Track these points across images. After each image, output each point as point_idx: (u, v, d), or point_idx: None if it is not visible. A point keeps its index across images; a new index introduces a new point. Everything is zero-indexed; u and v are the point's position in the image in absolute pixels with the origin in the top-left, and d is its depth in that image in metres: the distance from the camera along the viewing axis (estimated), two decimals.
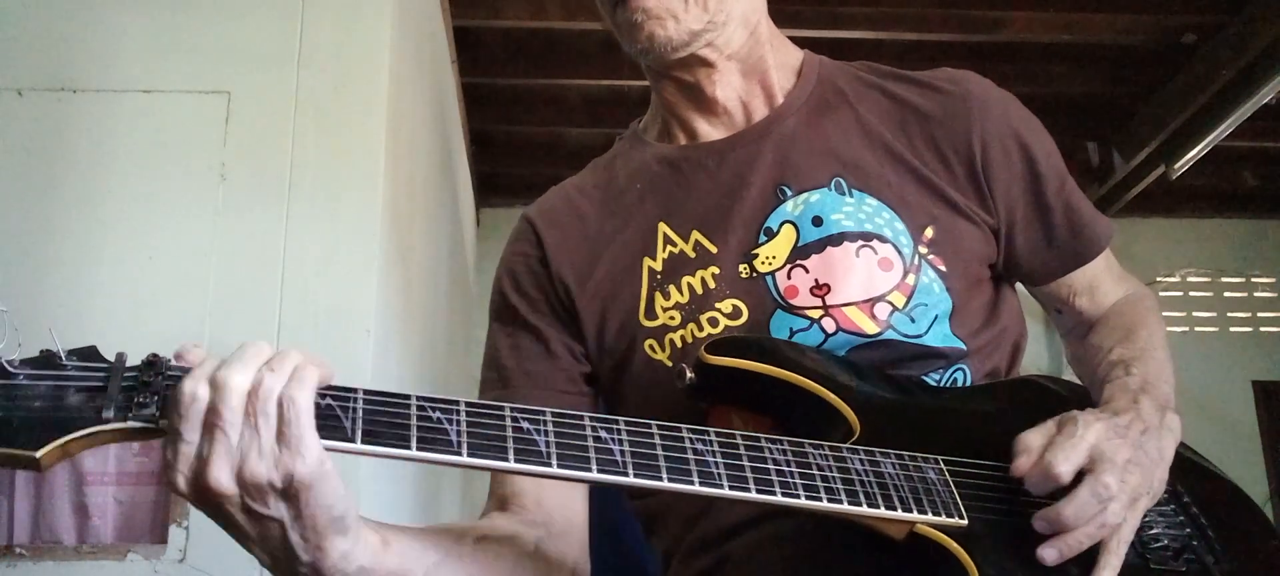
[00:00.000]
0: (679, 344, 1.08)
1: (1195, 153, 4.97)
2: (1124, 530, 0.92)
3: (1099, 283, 1.23)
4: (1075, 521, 0.89)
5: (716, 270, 1.10)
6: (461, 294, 4.94)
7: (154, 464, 2.28)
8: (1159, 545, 0.99)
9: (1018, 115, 1.16)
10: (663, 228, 1.14)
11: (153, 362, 0.75)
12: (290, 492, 0.74)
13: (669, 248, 1.13)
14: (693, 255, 1.11)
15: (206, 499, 0.74)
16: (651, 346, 1.10)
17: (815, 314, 1.06)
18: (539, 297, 1.17)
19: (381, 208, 2.53)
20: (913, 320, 1.07)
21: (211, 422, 0.73)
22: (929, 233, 1.09)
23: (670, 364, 1.08)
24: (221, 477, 0.73)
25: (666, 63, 1.12)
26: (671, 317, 1.09)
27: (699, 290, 1.09)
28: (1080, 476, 0.91)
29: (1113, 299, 1.24)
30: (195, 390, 0.73)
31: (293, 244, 2.44)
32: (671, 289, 1.10)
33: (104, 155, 2.43)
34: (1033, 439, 0.94)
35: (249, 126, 2.50)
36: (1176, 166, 5.12)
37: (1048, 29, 4.52)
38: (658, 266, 1.12)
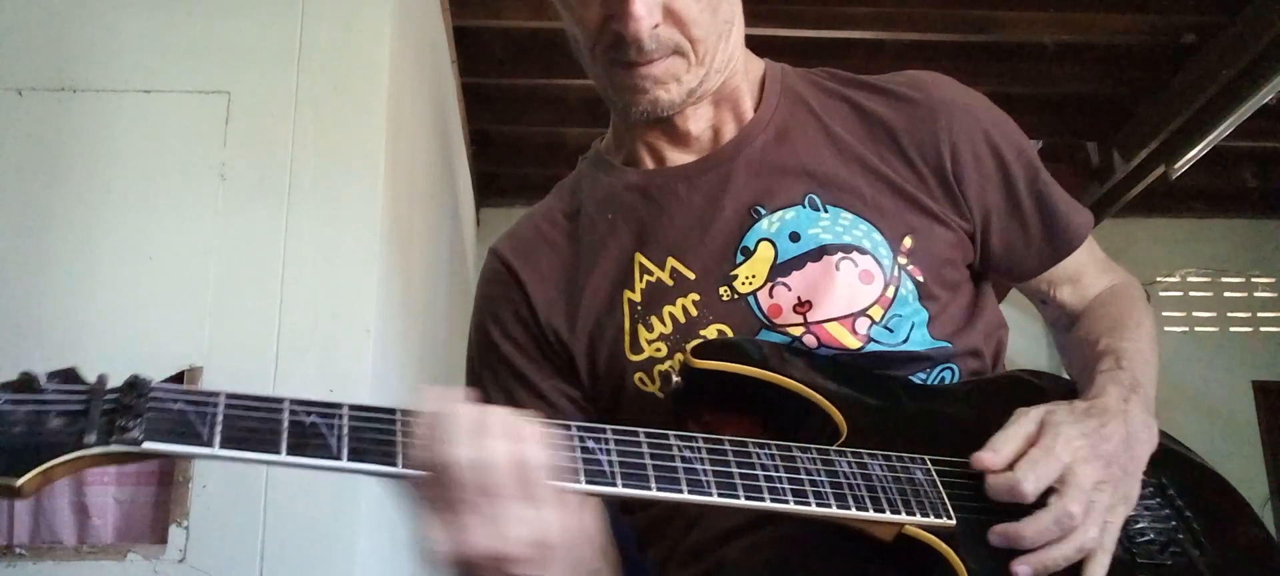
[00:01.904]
0: (669, 392, 1.06)
1: (1195, 153, 4.97)
2: (1105, 540, 0.92)
3: (1083, 274, 1.22)
4: (1033, 543, 0.90)
5: (696, 296, 1.08)
6: (461, 294, 4.94)
7: (154, 464, 2.28)
8: (1145, 539, 0.99)
9: (985, 115, 1.15)
10: (638, 257, 1.12)
11: (134, 384, 0.74)
12: (545, 558, 0.78)
13: (646, 277, 1.11)
14: (671, 283, 1.09)
15: (464, 566, 0.77)
16: (641, 379, 1.08)
17: (796, 330, 1.05)
18: (531, 345, 1.15)
19: (381, 208, 2.54)
20: (890, 331, 1.06)
21: (462, 498, 0.75)
22: (907, 243, 1.08)
23: (661, 396, 1.07)
24: (479, 540, 0.75)
25: (660, 118, 1.11)
26: (657, 349, 1.08)
27: (681, 319, 1.08)
28: (1049, 490, 0.91)
29: (1097, 289, 1.23)
30: (456, 463, 0.74)
31: (293, 244, 2.44)
32: (654, 320, 1.09)
33: (104, 155, 2.44)
34: (1006, 444, 0.94)
35: (249, 126, 2.50)
36: (1176, 166, 5.11)
37: (1047, 29, 4.52)
38: (637, 298, 1.10)
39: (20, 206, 2.39)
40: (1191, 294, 6.55)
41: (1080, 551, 0.91)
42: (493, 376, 1.17)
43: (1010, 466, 0.93)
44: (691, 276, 1.09)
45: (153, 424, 0.73)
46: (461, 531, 0.75)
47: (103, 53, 2.51)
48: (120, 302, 2.34)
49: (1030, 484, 0.90)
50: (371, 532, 2.47)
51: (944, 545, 0.90)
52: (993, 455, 0.93)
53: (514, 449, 0.76)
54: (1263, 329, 6.54)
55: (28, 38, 2.51)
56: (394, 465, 0.78)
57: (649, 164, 1.17)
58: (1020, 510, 0.92)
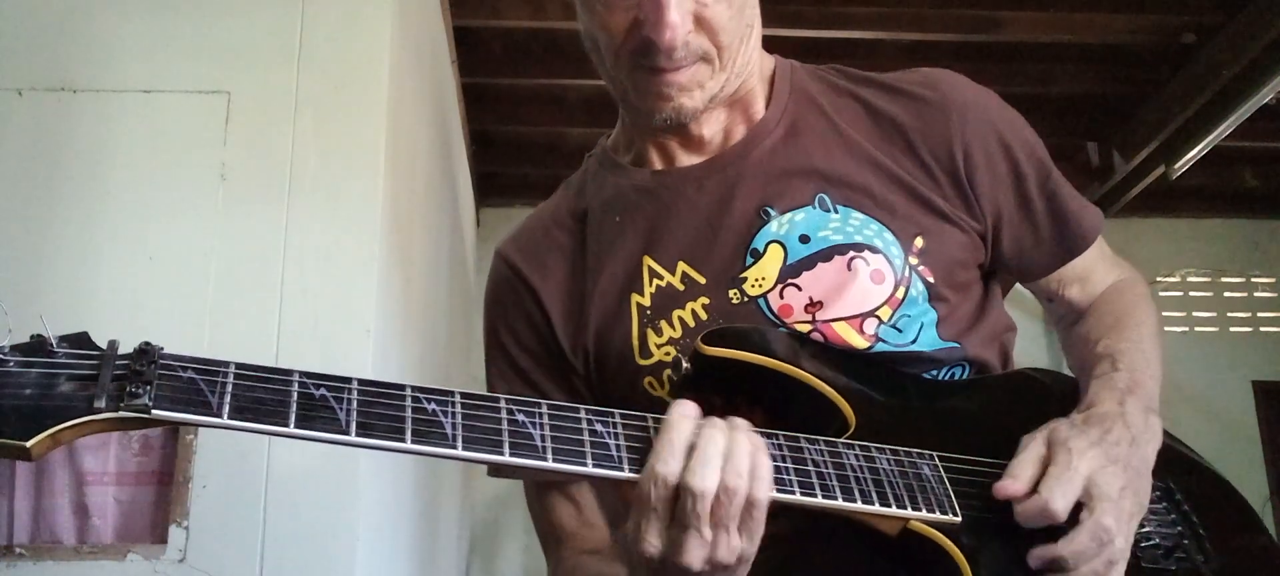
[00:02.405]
0: (677, 380, 1.06)
1: (1195, 153, 4.97)
2: (1126, 547, 0.93)
3: (1091, 272, 1.21)
4: (1074, 563, 0.90)
5: (706, 300, 1.07)
6: (461, 294, 4.94)
7: (154, 463, 2.28)
8: (1150, 544, 0.99)
9: (997, 113, 1.14)
10: (647, 261, 1.11)
11: (145, 351, 0.74)
12: (739, 563, 0.84)
13: (655, 281, 1.10)
14: (681, 287, 1.09)
15: (673, 571, 0.83)
16: (651, 383, 1.08)
17: (804, 328, 1.04)
18: (543, 352, 1.15)
19: (381, 208, 2.53)
20: (899, 331, 1.06)
21: (684, 522, 0.81)
22: (918, 243, 1.08)
23: (671, 400, 1.07)
24: (694, 561, 0.81)
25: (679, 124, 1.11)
26: (666, 353, 1.07)
27: (691, 323, 1.07)
28: (1078, 508, 0.91)
29: (1104, 286, 1.22)
30: (668, 489, 0.81)
31: (293, 244, 2.44)
32: (663, 325, 1.08)
33: (104, 155, 2.44)
34: (1025, 468, 0.94)
35: (249, 126, 2.49)
36: (1176, 166, 5.11)
37: (1048, 29, 4.52)
38: (646, 302, 1.10)
39: (20, 206, 2.39)
40: (1191, 294, 6.55)
41: (1110, 565, 0.91)
42: (506, 384, 1.17)
43: (1034, 491, 0.93)
44: (702, 281, 1.08)
45: (162, 391, 0.73)
46: (679, 548, 0.81)
47: (103, 53, 2.51)
48: (120, 302, 2.34)
49: (1060, 502, 0.90)
50: (371, 532, 2.47)
51: (949, 541, 0.90)
52: (1014, 482, 0.93)
53: (748, 487, 0.82)
54: (1263, 329, 6.54)
55: (28, 38, 2.50)
56: (403, 441, 0.78)
57: (657, 164, 1.16)
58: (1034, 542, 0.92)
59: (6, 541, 2.20)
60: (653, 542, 0.81)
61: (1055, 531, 0.92)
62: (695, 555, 0.81)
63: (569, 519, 1.13)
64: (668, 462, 0.82)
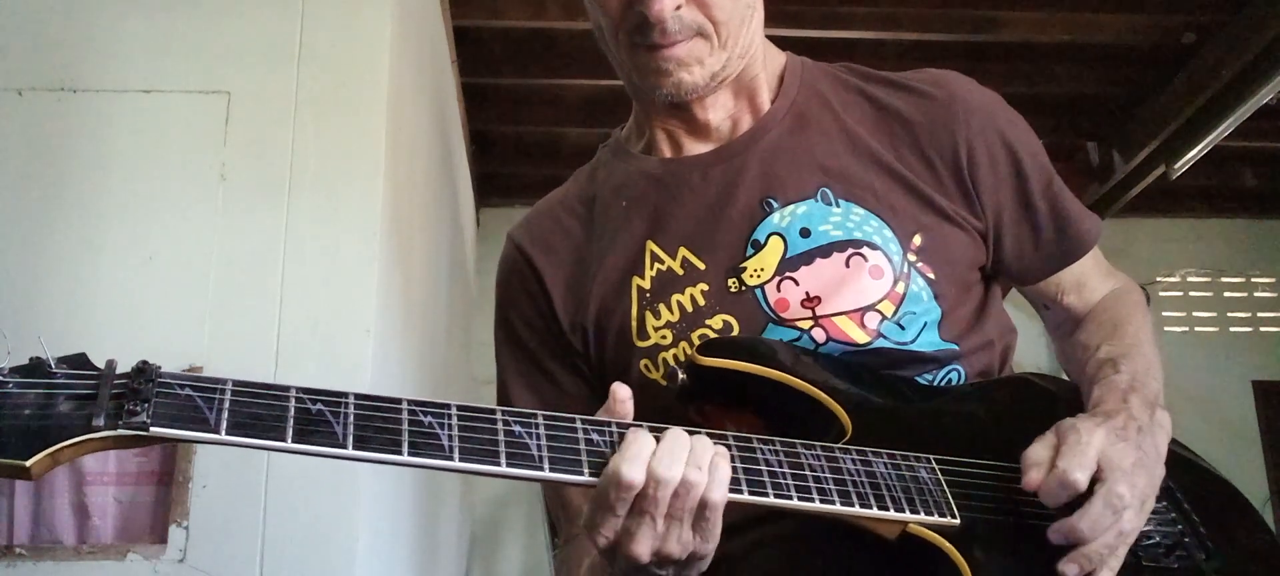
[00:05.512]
0: (671, 363, 1.09)
1: (1195, 153, 4.97)
2: (1131, 535, 0.93)
3: (1087, 279, 1.23)
4: (1092, 533, 0.90)
5: (705, 286, 1.09)
6: (461, 294, 4.94)
7: (154, 464, 2.28)
8: (1151, 542, 1.00)
9: (1003, 116, 1.16)
10: (650, 245, 1.13)
11: (143, 369, 0.75)
12: (691, 561, 0.86)
13: (656, 265, 1.12)
14: (681, 272, 1.10)
15: (621, 560, 0.85)
16: (646, 366, 1.10)
17: (805, 324, 1.05)
18: (548, 335, 1.17)
19: (381, 208, 2.53)
20: (902, 327, 1.06)
21: (642, 509, 0.83)
22: (917, 240, 1.09)
23: (665, 383, 1.08)
24: (642, 551, 0.84)
25: (682, 102, 1.13)
26: (663, 337, 1.09)
27: (689, 308, 1.09)
28: (1091, 486, 0.91)
29: (1100, 294, 1.23)
30: (634, 477, 0.82)
31: (293, 244, 2.43)
32: (661, 308, 1.10)
33: (104, 155, 2.43)
34: (1039, 452, 0.94)
35: (249, 126, 2.49)
36: (1176, 166, 5.11)
37: (1048, 29, 4.52)
38: (646, 285, 1.12)
39: (20, 206, 2.39)
40: (1191, 294, 6.55)
41: (1121, 537, 0.91)
42: (515, 365, 1.20)
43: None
44: (702, 267, 1.10)
45: (160, 409, 0.74)
46: (629, 537, 0.83)
47: (103, 53, 2.51)
48: (120, 302, 2.33)
49: (1078, 472, 0.91)
50: (371, 532, 2.47)
51: (948, 543, 0.90)
52: (1036, 468, 0.93)
53: (706, 483, 0.83)
54: (1263, 329, 6.54)
55: (28, 38, 2.50)
56: (400, 453, 0.77)
57: (666, 152, 1.18)
58: (1027, 508, 0.92)
59: (6, 541, 2.20)
60: (605, 534, 0.84)
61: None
62: (645, 545, 0.83)
63: (576, 495, 1.15)
64: (633, 465, 0.83)
